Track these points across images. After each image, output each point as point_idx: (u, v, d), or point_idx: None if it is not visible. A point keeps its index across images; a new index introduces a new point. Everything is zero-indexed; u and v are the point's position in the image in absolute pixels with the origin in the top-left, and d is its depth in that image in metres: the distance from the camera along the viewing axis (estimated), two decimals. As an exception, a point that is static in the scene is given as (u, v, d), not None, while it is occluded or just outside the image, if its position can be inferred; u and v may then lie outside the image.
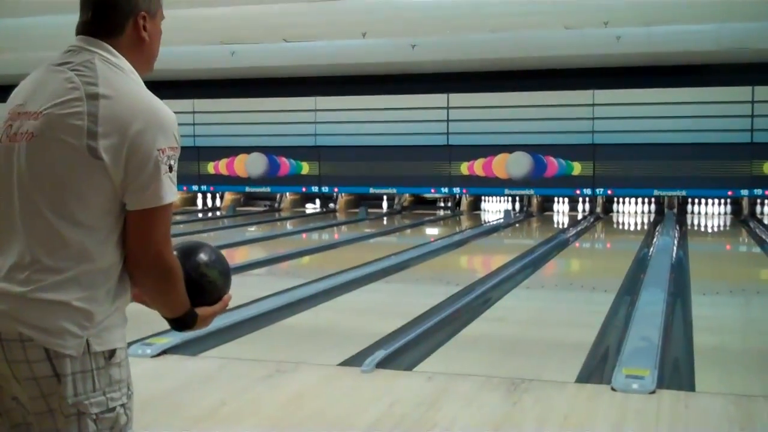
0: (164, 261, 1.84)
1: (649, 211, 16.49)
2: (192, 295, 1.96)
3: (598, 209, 16.47)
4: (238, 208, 18.08)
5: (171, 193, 1.83)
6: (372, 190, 17.47)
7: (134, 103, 1.80)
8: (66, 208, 1.77)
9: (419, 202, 18.16)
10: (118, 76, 1.84)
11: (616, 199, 16.75)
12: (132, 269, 1.86)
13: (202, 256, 2.03)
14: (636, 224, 15.40)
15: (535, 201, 17.00)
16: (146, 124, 1.79)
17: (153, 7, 1.94)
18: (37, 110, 1.81)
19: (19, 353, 1.76)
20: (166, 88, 21.45)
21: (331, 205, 18.15)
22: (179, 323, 1.97)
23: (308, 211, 18.00)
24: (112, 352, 1.84)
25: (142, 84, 1.91)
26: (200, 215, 17.63)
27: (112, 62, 1.86)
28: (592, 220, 15.59)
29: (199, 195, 19.31)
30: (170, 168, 1.81)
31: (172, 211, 1.86)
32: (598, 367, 4.97)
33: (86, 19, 1.90)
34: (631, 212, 16.62)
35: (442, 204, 18.05)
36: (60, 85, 1.82)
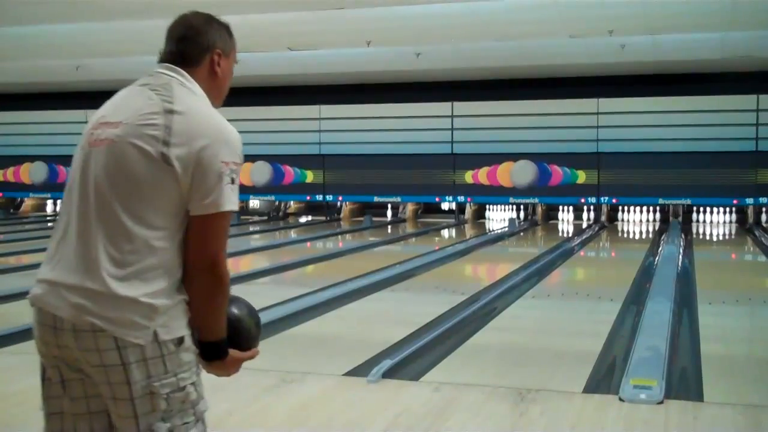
0: (218, 266, 2.01)
1: (654, 220, 16.47)
2: (227, 337, 2.13)
3: (603, 218, 16.45)
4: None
5: (230, 203, 2.00)
6: (376, 199, 17.47)
7: (204, 121, 2.02)
8: (137, 208, 1.95)
9: (428, 211, 18.07)
10: (191, 97, 2.08)
11: (621, 207, 16.72)
12: (188, 270, 2.02)
13: (241, 306, 2.22)
14: (641, 233, 15.38)
15: (539, 209, 16.98)
16: (213, 139, 2.00)
17: (227, 47, 2.21)
18: (118, 120, 2.03)
19: (90, 342, 1.93)
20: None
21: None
22: (212, 349, 2.09)
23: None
24: (180, 339, 2.01)
25: (212, 106, 2.13)
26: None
27: (186, 86, 2.10)
28: (597, 228, 15.56)
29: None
30: (232, 180, 2.00)
31: (230, 220, 2.04)
32: (605, 377, 4.94)
33: (170, 49, 2.16)
34: (636, 221, 16.60)
35: (452, 209, 17.87)
36: (141, 101, 2.05)
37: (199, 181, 1.96)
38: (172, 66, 2.12)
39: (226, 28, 2.22)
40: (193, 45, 2.14)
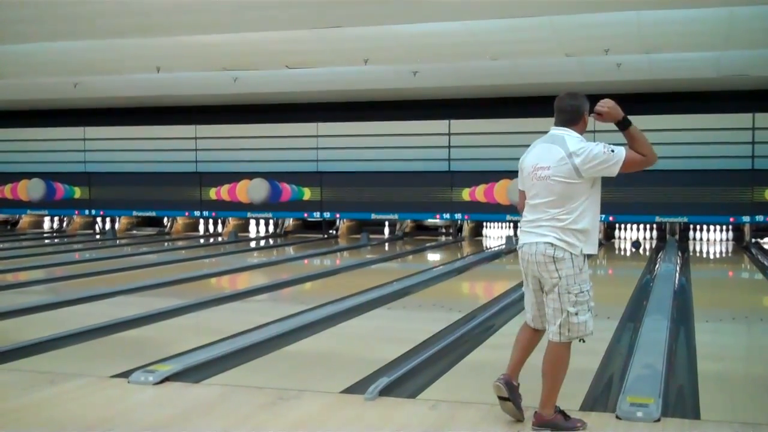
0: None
1: (651, 238, 16.48)
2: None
3: (600, 235, 16.44)
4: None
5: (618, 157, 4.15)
6: (374, 216, 17.49)
7: (585, 147, 4.08)
8: (563, 207, 4.05)
9: (420, 228, 18.17)
10: (576, 141, 4.09)
11: (617, 225, 16.75)
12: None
13: None
14: (638, 250, 15.37)
15: (536, 227, 16.96)
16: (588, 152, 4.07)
17: (587, 108, 4.25)
18: (547, 166, 4.06)
19: (543, 260, 4.14)
20: (168, 113, 21.43)
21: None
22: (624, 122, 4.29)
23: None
24: (586, 257, 4.18)
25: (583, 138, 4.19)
26: (202, 241, 17.63)
27: (573, 135, 4.13)
28: (593, 246, 15.52)
29: (201, 221, 19.32)
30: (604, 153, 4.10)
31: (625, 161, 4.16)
32: (602, 395, 4.94)
33: (560, 118, 4.21)
34: (633, 238, 16.60)
35: (443, 230, 18.05)
36: (554, 152, 4.07)
37: (595, 171, 4.07)
38: (562, 127, 4.16)
39: (585, 97, 4.21)
40: (574, 114, 4.18)
